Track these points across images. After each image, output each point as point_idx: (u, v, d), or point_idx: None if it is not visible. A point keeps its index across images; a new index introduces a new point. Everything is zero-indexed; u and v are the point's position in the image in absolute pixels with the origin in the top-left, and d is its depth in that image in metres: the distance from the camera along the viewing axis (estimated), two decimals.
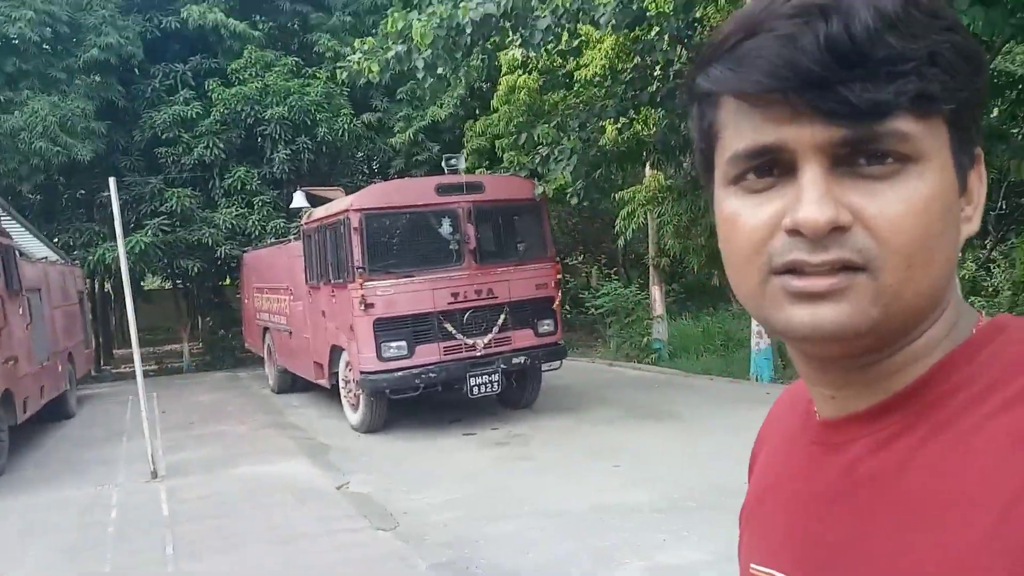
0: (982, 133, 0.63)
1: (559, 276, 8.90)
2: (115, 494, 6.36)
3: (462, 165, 8.34)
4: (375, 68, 7.77)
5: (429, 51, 7.03)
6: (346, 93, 14.98)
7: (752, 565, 0.70)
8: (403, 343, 7.73)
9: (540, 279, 8.42)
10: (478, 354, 7.97)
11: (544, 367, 8.48)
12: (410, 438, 7.90)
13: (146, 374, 15.56)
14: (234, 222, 13.72)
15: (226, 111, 13.96)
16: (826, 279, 0.54)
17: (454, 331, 7.88)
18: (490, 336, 8.05)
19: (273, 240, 12.78)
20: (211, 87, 14.14)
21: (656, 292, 12.37)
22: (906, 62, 0.52)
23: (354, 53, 8.05)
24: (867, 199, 0.53)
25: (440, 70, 7.46)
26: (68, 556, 4.91)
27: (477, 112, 16.01)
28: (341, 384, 8.65)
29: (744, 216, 0.57)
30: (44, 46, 13.57)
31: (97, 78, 13.71)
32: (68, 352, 10.48)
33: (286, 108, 13.83)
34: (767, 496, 0.72)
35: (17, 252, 8.27)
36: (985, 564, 0.50)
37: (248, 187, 14.03)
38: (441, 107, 15.41)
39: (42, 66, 13.30)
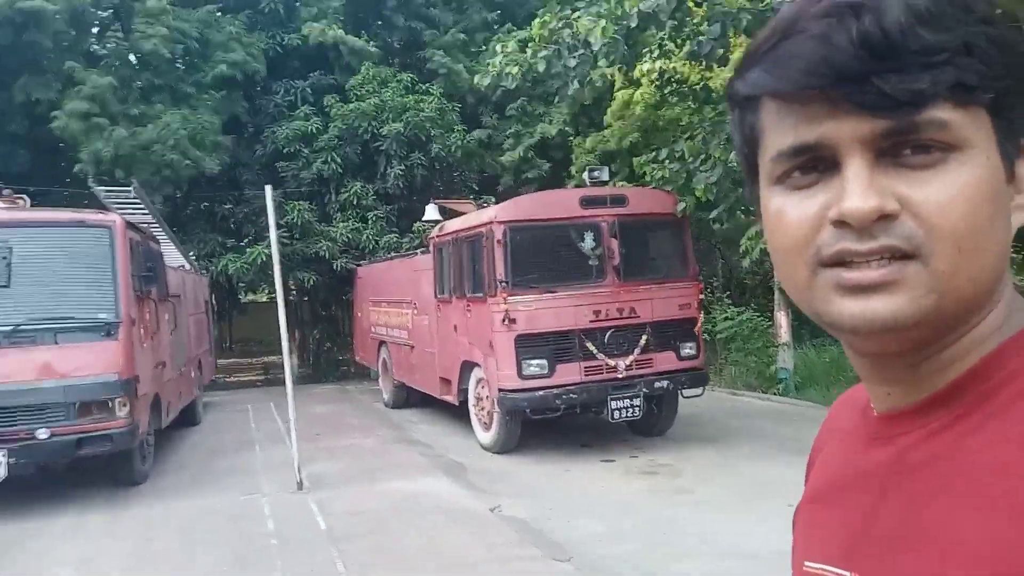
0: None
1: (702, 297, 8.47)
2: (266, 504, 6.25)
3: (606, 177, 8.04)
4: (514, 71, 7.60)
5: (603, 43, 6.73)
6: (457, 109, 15.00)
7: (806, 563, 0.69)
8: (544, 361, 7.44)
9: (683, 299, 8.01)
10: (620, 376, 7.60)
11: (686, 393, 8.04)
12: (545, 461, 7.58)
13: (253, 384, 16.08)
14: (349, 236, 13.82)
15: (344, 127, 14.14)
16: (877, 271, 0.54)
17: (595, 351, 7.55)
18: (632, 358, 7.67)
19: (392, 254, 12.77)
20: (329, 103, 14.36)
21: (782, 318, 11.70)
22: (939, 53, 0.52)
23: (495, 57, 7.91)
24: (913, 188, 0.54)
25: (603, 63, 7.17)
26: (238, 566, 4.78)
27: (586, 129, 15.79)
28: (472, 402, 8.43)
29: (790, 211, 0.58)
30: (176, 62, 14.09)
31: (224, 93, 14.12)
32: (198, 359, 10.66)
33: (402, 124, 13.90)
34: (822, 495, 0.71)
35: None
36: None
37: (363, 202, 14.13)
38: (551, 124, 15.26)
39: (173, 81, 13.81)
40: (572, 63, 7.27)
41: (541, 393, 7.37)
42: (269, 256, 13.36)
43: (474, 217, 8.20)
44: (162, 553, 5.16)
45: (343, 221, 14.08)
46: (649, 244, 8.06)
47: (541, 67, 7.33)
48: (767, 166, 0.60)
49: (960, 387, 0.59)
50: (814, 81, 0.54)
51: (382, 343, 11.82)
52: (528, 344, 7.41)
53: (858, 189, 0.54)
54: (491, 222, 7.51)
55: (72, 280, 6.37)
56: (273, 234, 6.95)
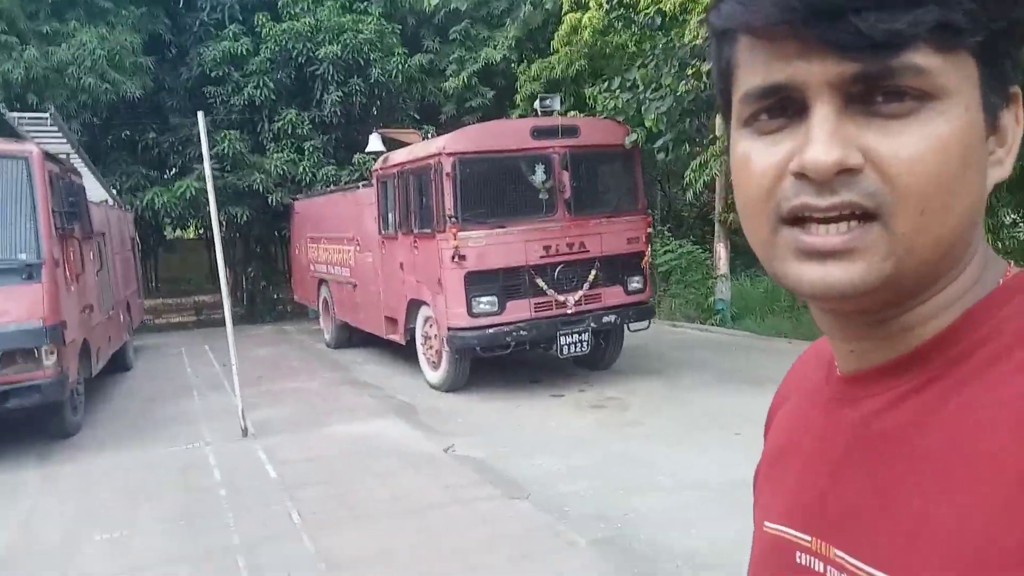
0: (1018, 70, 0.54)
1: (650, 230, 8.43)
2: (210, 454, 6.05)
3: (557, 106, 7.79)
4: None
5: None
6: (397, 31, 14.30)
7: (766, 523, 0.68)
8: (494, 298, 7.33)
9: (631, 233, 7.95)
10: (569, 312, 7.57)
11: (632, 327, 8.08)
12: (495, 399, 7.56)
13: (184, 325, 15.54)
14: (285, 168, 13.21)
15: (276, 48, 13.32)
16: (837, 237, 0.51)
17: (545, 287, 7.47)
18: (581, 293, 7.64)
19: (332, 188, 12.29)
20: (261, 22, 13.47)
21: (721, 250, 11.82)
22: None
23: None
24: (881, 139, 0.50)
25: None
26: (187, 522, 4.60)
27: (531, 55, 15.32)
28: (419, 340, 8.30)
29: (754, 159, 0.55)
30: None
31: (144, 10, 13.08)
32: (126, 301, 10.16)
33: (339, 47, 13.17)
34: (783, 453, 0.70)
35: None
36: (998, 531, 0.47)
37: (299, 131, 13.47)
38: (495, 49, 14.73)
39: None
40: None
41: (492, 331, 7.29)
42: (199, 189, 12.76)
43: (421, 148, 7.87)
44: (105, 509, 4.93)
45: (278, 152, 13.43)
46: (599, 177, 7.91)
47: None
48: (737, 106, 0.57)
49: (928, 350, 0.56)
50: (785, 16, 0.50)
51: (322, 281, 11.49)
52: (478, 281, 7.27)
53: (821, 139, 0.51)
54: (439, 153, 7.21)
55: None
56: (207, 165, 6.52)
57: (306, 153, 13.50)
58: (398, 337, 8.78)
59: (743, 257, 14.05)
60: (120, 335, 9.42)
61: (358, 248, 9.84)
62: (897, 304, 0.56)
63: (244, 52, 13.33)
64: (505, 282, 7.35)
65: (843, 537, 0.58)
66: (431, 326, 7.99)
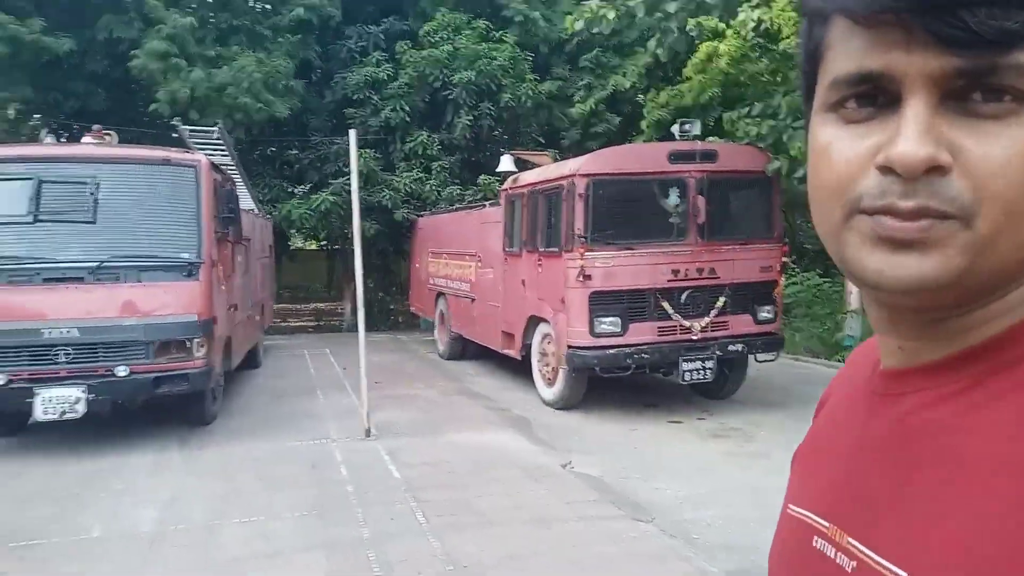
0: None
1: (784, 260, 8.14)
2: (336, 450, 6.28)
3: (697, 131, 7.70)
4: (610, 15, 7.26)
5: None
6: (530, 59, 14.61)
7: (791, 506, 0.69)
8: (617, 319, 7.27)
9: (765, 261, 7.69)
10: (694, 338, 7.39)
11: (760, 358, 7.79)
12: (609, 419, 7.45)
13: (304, 329, 16.29)
14: (412, 186, 13.70)
15: (415, 74, 13.90)
16: (916, 223, 0.49)
17: (671, 311, 7.33)
18: (708, 319, 7.45)
19: (457, 205, 12.64)
20: (401, 50, 14.13)
21: (852, 285, 11.22)
22: None
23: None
24: (974, 140, 0.48)
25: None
26: (319, 514, 4.79)
27: (659, 83, 15.24)
28: (535, 357, 8.33)
29: (837, 147, 0.53)
30: (253, 3, 14.01)
31: (298, 37, 14.01)
32: (262, 304, 10.79)
33: (474, 72, 13.60)
34: (820, 443, 0.70)
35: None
36: (1020, 542, 0.46)
37: (428, 152, 13.96)
38: (625, 76, 14.75)
39: (250, 23, 13.73)
40: (672, 8, 6.89)
41: (612, 351, 7.22)
42: (333, 203, 13.46)
43: (554, 169, 7.96)
44: (243, 495, 5.21)
45: (407, 171, 13.96)
46: (735, 202, 7.73)
47: (640, 12, 6.98)
48: (824, 90, 0.55)
49: (977, 354, 0.55)
50: (892, 4, 0.48)
51: (440, 294, 11.77)
52: (602, 301, 7.24)
53: (913, 133, 0.49)
54: (574, 175, 7.27)
55: (156, 219, 6.40)
56: (355, 178, 6.87)
57: (433, 172, 13.96)
58: (514, 352, 8.84)
59: None
60: (255, 334, 10.00)
61: (479, 264, 10.03)
62: (960, 305, 0.54)
63: (385, 77, 13.99)
64: (630, 304, 7.28)
65: (858, 526, 0.58)
66: (549, 343, 8.00)
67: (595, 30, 7.57)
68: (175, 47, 12.21)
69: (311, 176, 14.55)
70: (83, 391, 5.94)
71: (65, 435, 6.56)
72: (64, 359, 5.93)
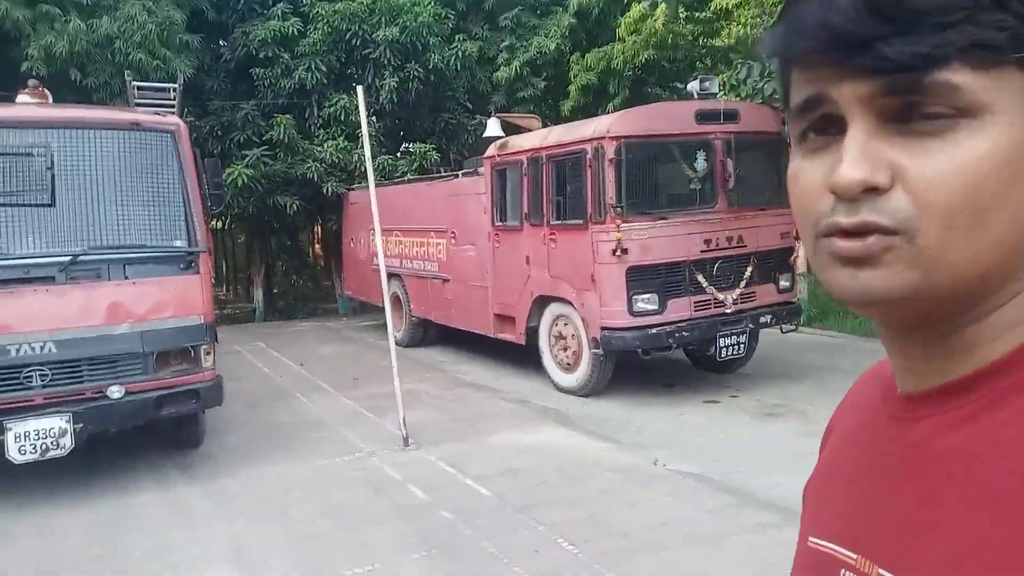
0: None
1: None
2: (386, 466, 5.34)
3: (715, 89, 7.26)
4: None
5: None
6: (451, 15, 13.59)
7: (811, 538, 0.68)
8: (655, 295, 6.76)
9: (784, 227, 7.47)
10: (728, 311, 7.05)
11: (785, 328, 7.60)
12: (645, 405, 6.98)
13: (215, 321, 14.57)
14: (339, 156, 12.38)
15: (328, 30, 12.49)
16: (856, 241, 0.53)
17: (705, 283, 6.94)
18: (738, 291, 7.13)
19: (409, 177, 11.55)
20: (308, 2, 12.62)
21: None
22: (955, 11, 0.48)
23: None
24: (913, 158, 0.51)
25: None
26: (439, 552, 3.91)
27: (582, 46, 14.76)
28: (546, 341, 7.67)
29: (803, 177, 0.57)
30: None
31: None
32: None
33: (398, 29, 12.41)
34: (835, 471, 0.70)
35: None
36: None
37: (352, 117, 12.66)
38: (548, 37, 14.13)
39: None
40: None
41: (654, 331, 6.72)
42: (249, 176, 11.88)
43: (567, 132, 7.24)
44: (322, 536, 4.21)
45: (329, 139, 12.60)
46: (756, 165, 7.40)
47: None
48: (791, 124, 0.59)
49: (989, 374, 0.55)
50: (815, 46, 0.52)
51: (392, 276, 10.73)
52: (639, 277, 6.69)
53: (850, 157, 0.52)
54: (602, 137, 6.60)
55: (131, 199, 5.06)
56: (367, 142, 5.89)
57: (359, 141, 12.68)
58: (515, 337, 8.12)
59: None
60: None
61: (453, 241, 9.16)
62: (943, 321, 0.55)
63: (296, 33, 12.46)
64: (666, 278, 6.79)
65: (889, 556, 0.58)
66: (565, 325, 7.38)
67: None
68: None
69: (212, 146, 12.78)
70: (67, 421, 4.59)
71: (18, 476, 5.11)
72: (40, 382, 4.55)
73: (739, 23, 12.61)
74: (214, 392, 5.17)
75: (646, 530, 4.14)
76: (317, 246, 17.55)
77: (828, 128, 0.54)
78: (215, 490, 5.01)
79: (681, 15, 13.03)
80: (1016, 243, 0.52)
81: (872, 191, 0.51)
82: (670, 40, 13.44)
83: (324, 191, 12.31)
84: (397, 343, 10.46)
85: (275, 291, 15.46)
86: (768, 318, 7.29)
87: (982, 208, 0.50)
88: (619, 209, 6.57)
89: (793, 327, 7.71)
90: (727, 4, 12.29)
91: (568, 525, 4.21)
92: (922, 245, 0.51)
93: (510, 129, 8.79)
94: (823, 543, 0.66)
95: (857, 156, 0.51)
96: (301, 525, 4.39)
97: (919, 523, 0.56)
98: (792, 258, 7.65)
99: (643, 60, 13.21)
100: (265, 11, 12.72)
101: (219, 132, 12.79)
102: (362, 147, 12.45)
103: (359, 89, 5.84)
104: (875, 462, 0.63)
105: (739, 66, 9.01)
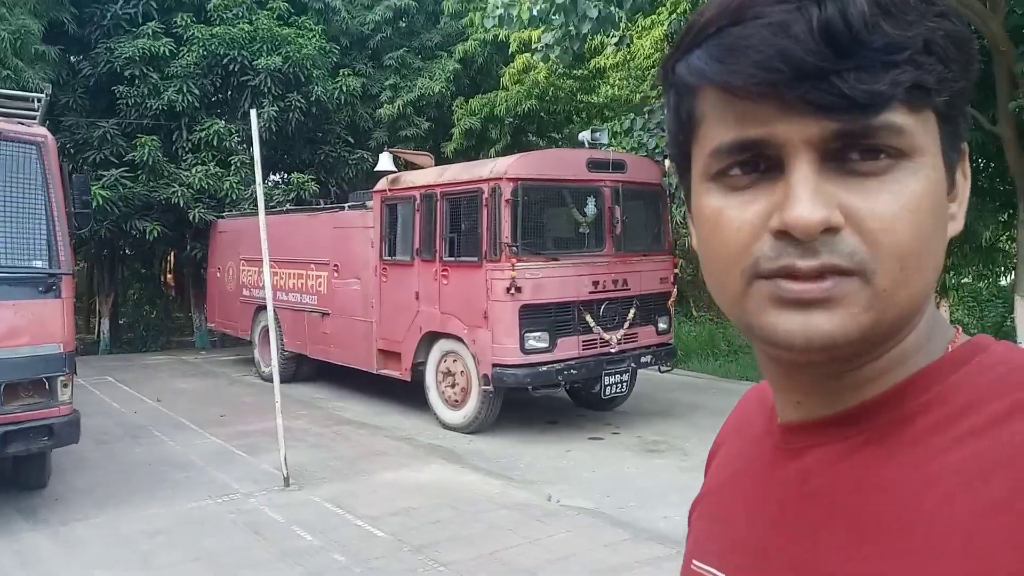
0: (968, 127, 0.57)
1: (676, 271, 8.34)
2: (267, 508, 4.97)
3: (605, 139, 7.54)
4: (524, 11, 6.79)
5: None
6: (336, 50, 13.42)
7: (695, 562, 0.68)
8: (546, 334, 6.83)
9: (662, 272, 7.81)
10: (612, 350, 7.23)
11: (663, 368, 7.88)
12: (531, 441, 6.99)
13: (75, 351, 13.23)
14: (209, 182, 11.75)
15: (203, 53, 11.95)
16: (819, 284, 0.50)
17: (592, 323, 7.09)
18: (622, 331, 7.34)
19: (288, 207, 11.10)
20: (184, 23, 12.04)
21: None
22: (901, 51, 0.48)
23: None
24: (859, 198, 0.50)
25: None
26: None
27: (467, 90, 14.97)
28: (433, 377, 7.53)
29: (728, 216, 0.54)
30: None
31: None
32: None
33: (280, 58, 12.07)
34: (721, 495, 0.70)
35: None
36: None
37: (225, 144, 12.10)
38: (432, 79, 14.25)
39: None
40: (593, 13, 6.64)
41: (544, 368, 6.77)
42: (104, 198, 10.99)
43: (468, 170, 7.25)
44: None
45: (199, 164, 11.94)
46: (638, 213, 7.72)
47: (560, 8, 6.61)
48: (703, 160, 0.55)
49: (874, 409, 0.56)
50: (769, 76, 0.49)
51: (262, 308, 10.22)
52: (531, 315, 6.75)
53: (805, 197, 0.50)
54: (500, 178, 6.67)
55: None
56: (258, 169, 5.55)
57: (232, 168, 12.12)
58: (400, 373, 7.92)
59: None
60: None
61: (336, 274, 8.88)
62: (860, 357, 0.55)
63: (167, 53, 11.82)
64: (556, 317, 6.89)
65: None
66: (454, 361, 7.29)
67: (513, 29, 7.07)
68: None
69: (66, 166, 11.75)
70: None
71: None
72: None
73: (609, 84, 13.32)
74: (70, 428, 4.64)
75: (548, 566, 4.09)
76: (169, 276, 16.42)
77: (757, 165, 0.52)
78: (67, 536, 4.46)
79: (561, 70, 13.55)
80: (933, 283, 0.54)
81: (827, 232, 0.50)
82: (550, 93, 13.96)
83: (190, 218, 11.60)
84: (262, 378, 10.04)
85: (122, 322, 14.28)
86: (649, 358, 7.54)
87: (923, 248, 0.51)
88: (514, 248, 6.63)
89: (669, 367, 8.02)
90: (604, 63, 12.97)
91: (470, 564, 4.08)
92: (878, 287, 0.50)
93: (402, 166, 8.70)
94: (706, 567, 0.66)
95: (812, 196, 0.49)
96: (168, 572, 3.98)
97: (804, 557, 0.56)
98: (670, 302, 7.98)
99: (525, 109, 13.62)
100: (134, 29, 11.99)
101: (71, 150, 11.80)
102: (234, 174, 12.03)
103: (252, 113, 5.67)
104: (761, 492, 0.62)
105: (622, 118, 9.45)
